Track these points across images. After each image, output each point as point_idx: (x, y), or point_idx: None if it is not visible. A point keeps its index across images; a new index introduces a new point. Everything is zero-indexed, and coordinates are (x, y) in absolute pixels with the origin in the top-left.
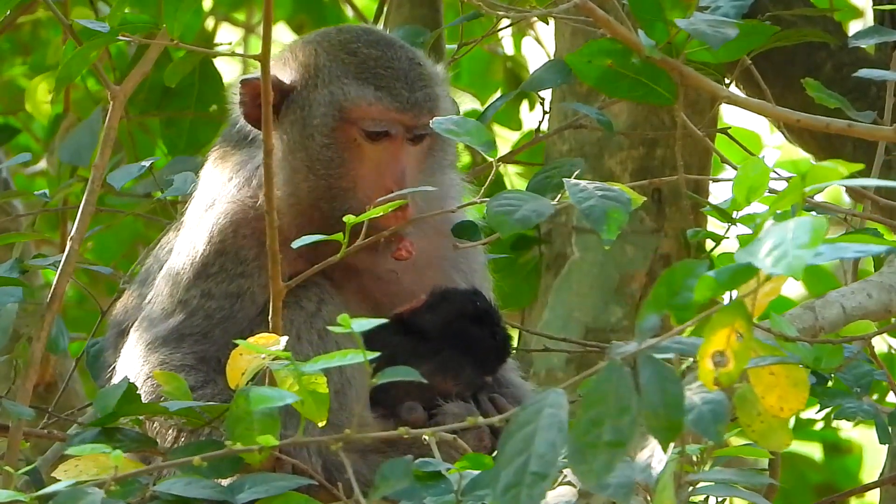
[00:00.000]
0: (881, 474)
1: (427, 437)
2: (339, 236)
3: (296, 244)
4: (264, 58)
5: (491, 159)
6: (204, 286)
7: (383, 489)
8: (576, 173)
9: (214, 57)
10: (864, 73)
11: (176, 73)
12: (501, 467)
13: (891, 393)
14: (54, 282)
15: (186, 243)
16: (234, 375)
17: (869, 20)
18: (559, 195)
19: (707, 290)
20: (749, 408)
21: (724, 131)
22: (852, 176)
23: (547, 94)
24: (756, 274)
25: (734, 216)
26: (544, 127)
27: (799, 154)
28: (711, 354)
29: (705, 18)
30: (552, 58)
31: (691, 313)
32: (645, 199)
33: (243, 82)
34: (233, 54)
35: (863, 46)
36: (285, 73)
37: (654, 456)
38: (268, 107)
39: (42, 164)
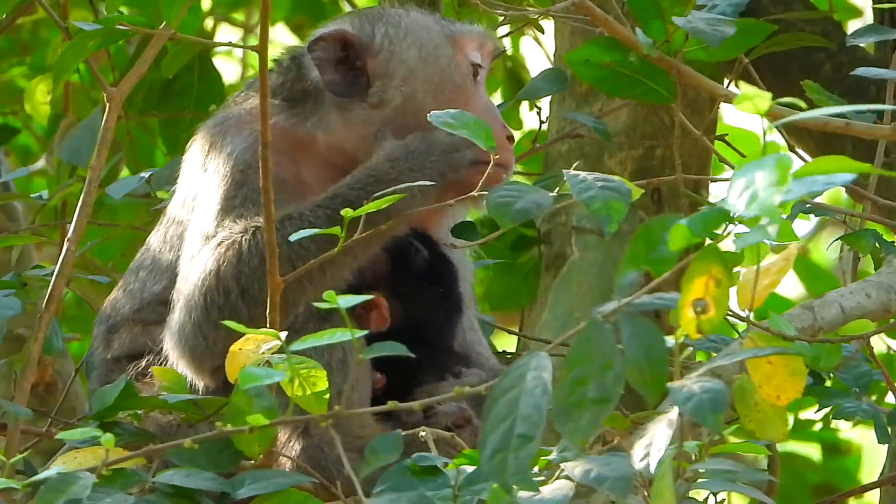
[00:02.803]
0: (881, 474)
1: (423, 434)
2: (336, 230)
3: (293, 238)
4: (262, 49)
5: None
6: (231, 217)
7: (373, 463)
8: (575, 165)
9: (211, 48)
10: (861, 71)
11: (173, 63)
12: (487, 433)
13: (888, 392)
14: (51, 283)
15: (207, 181)
16: (234, 369)
17: (868, 19)
18: (559, 186)
19: (681, 239)
20: (746, 398)
21: (722, 138)
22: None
23: (543, 102)
24: (727, 218)
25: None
26: (543, 131)
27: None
28: (691, 302)
29: (703, 17)
30: (551, 58)
31: (669, 267)
32: (643, 191)
33: (323, 36)
34: (230, 45)
35: (862, 46)
36: (353, 28)
37: (652, 446)
38: (265, 98)
39: (41, 164)
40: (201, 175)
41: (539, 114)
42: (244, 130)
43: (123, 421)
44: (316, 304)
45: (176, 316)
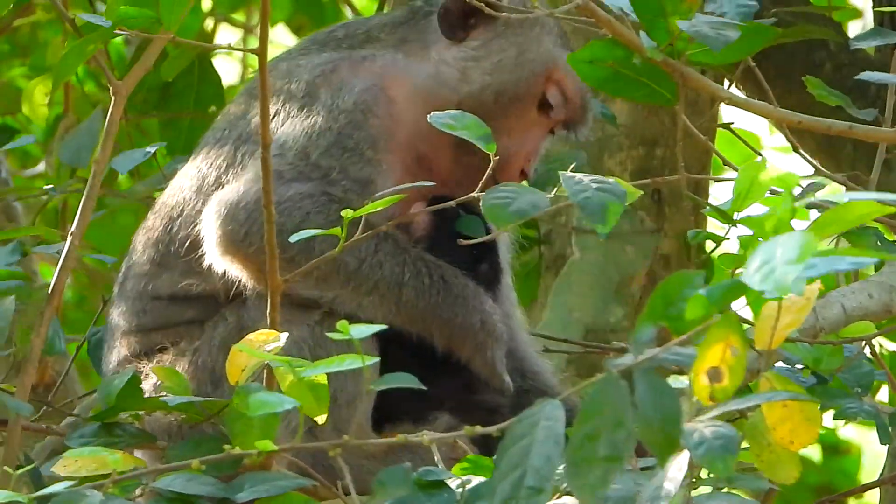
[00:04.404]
0: (881, 474)
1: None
2: (336, 231)
3: (294, 238)
4: (262, 52)
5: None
6: (339, 162)
7: (381, 496)
8: (572, 166)
9: (210, 52)
10: (864, 76)
11: (173, 67)
12: (497, 481)
13: (883, 392)
14: (54, 277)
15: (314, 116)
16: (234, 372)
17: (868, 20)
18: (556, 187)
19: (699, 309)
20: (759, 438)
21: (727, 126)
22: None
23: None
24: (746, 291)
25: (734, 217)
26: None
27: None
28: (706, 370)
29: (707, 20)
30: None
31: (688, 324)
32: (642, 192)
33: None
34: (229, 48)
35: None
36: None
37: (664, 486)
38: (265, 101)
39: (41, 167)
40: (299, 116)
41: None
42: (360, 73)
43: (125, 422)
44: (330, 334)
45: (231, 194)
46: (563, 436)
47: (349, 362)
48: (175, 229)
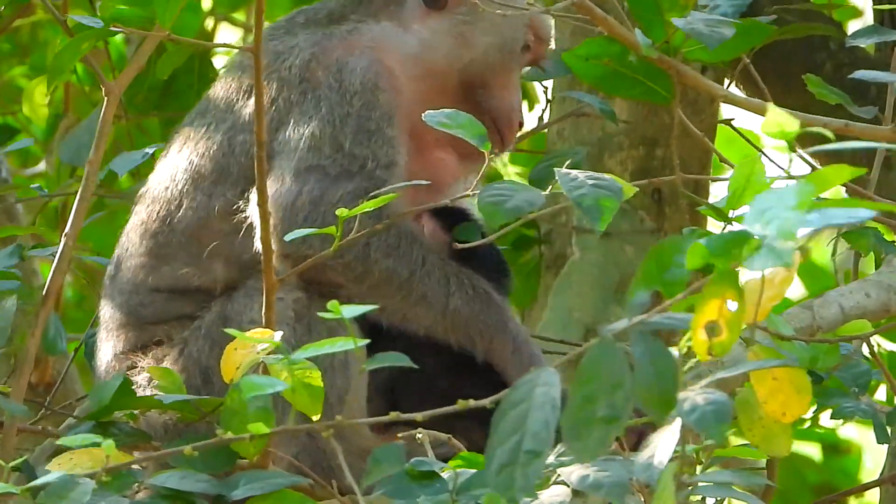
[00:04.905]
0: (881, 474)
1: (420, 436)
2: (332, 230)
3: (288, 237)
4: (256, 50)
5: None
6: (369, 149)
7: (375, 474)
8: (567, 162)
9: (206, 49)
10: (860, 74)
11: (168, 64)
12: (495, 446)
13: (881, 390)
14: (49, 278)
15: (324, 99)
16: (229, 370)
17: (868, 20)
18: (552, 185)
19: (698, 259)
20: (750, 412)
21: (728, 122)
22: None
23: (548, 84)
24: (747, 241)
25: (730, 215)
26: (546, 118)
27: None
28: (704, 325)
29: (703, 18)
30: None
31: (681, 288)
32: (637, 189)
33: None
34: (226, 45)
35: (863, 46)
36: None
37: (655, 455)
38: (260, 97)
39: (42, 166)
40: (305, 103)
41: (546, 92)
42: (354, 49)
43: (119, 421)
44: (321, 314)
45: (282, 196)
46: (559, 401)
47: (341, 344)
48: (175, 221)
